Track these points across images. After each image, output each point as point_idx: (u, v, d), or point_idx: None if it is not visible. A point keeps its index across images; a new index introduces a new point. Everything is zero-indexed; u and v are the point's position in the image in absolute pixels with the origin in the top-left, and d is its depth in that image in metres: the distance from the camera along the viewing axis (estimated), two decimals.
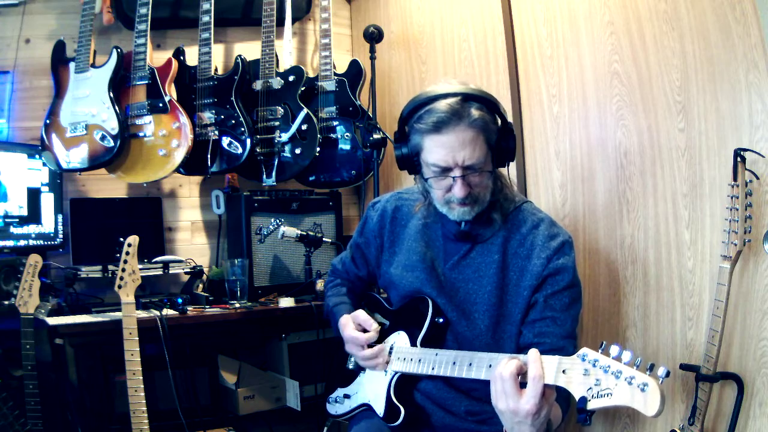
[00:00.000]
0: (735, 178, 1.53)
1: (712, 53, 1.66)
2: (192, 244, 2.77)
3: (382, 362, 1.49)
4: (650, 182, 1.83)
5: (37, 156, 2.34)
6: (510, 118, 2.24)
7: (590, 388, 0.99)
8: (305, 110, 2.57)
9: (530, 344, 1.37)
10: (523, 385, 1.09)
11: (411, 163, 1.45)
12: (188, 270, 2.49)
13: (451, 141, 1.34)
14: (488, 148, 1.38)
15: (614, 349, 0.98)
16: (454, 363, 1.30)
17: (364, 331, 1.54)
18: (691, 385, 1.63)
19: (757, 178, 1.54)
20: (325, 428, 1.85)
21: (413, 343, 1.46)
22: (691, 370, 1.63)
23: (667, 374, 0.94)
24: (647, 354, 1.83)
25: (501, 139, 1.41)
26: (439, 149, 1.35)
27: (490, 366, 1.20)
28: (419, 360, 1.40)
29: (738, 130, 1.60)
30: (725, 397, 1.62)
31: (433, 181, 1.42)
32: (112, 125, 2.33)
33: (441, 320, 1.46)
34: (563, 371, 1.04)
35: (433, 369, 1.35)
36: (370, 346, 1.51)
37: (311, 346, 2.45)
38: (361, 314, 1.57)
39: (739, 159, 1.52)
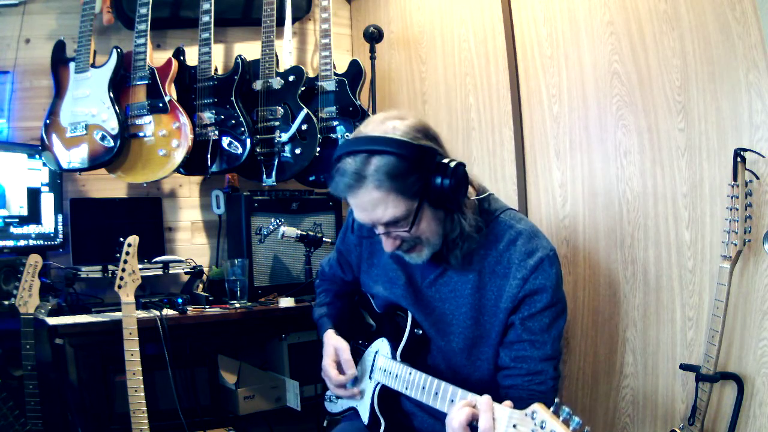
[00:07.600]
0: (735, 178, 1.53)
1: (712, 53, 1.66)
2: (192, 244, 2.77)
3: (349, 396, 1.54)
4: (650, 182, 1.83)
5: (37, 156, 2.34)
6: (510, 119, 2.28)
7: None
8: (305, 110, 2.57)
9: (507, 367, 1.36)
10: (475, 429, 1.11)
11: None
12: (188, 270, 2.49)
13: (362, 203, 1.28)
14: (411, 199, 1.26)
15: (564, 411, 0.99)
16: (423, 388, 1.29)
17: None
18: (691, 385, 1.64)
19: (757, 178, 1.54)
20: (325, 423, 1.86)
21: (393, 356, 1.45)
22: (691, 370, 1.63)
23: None
24: (647, 354, 1.84)
25: (431, 179, 1.26)
26: (357, 210, 1.32)
27: (452, 401, 1.20)
28: (396, 376, 1.40)
29: (738, 130, 1.60)
30: (725, 397, 1.62)
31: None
32: (112, 125, 2.32)
33: (420, 332, 1.44)
34: (514, 425, 1.04)
35: (406, 389, 1.35)
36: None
37: (311, 346, 2.45)
38: (344, 352, 1.52)
39: (739, 159, 1.52)
